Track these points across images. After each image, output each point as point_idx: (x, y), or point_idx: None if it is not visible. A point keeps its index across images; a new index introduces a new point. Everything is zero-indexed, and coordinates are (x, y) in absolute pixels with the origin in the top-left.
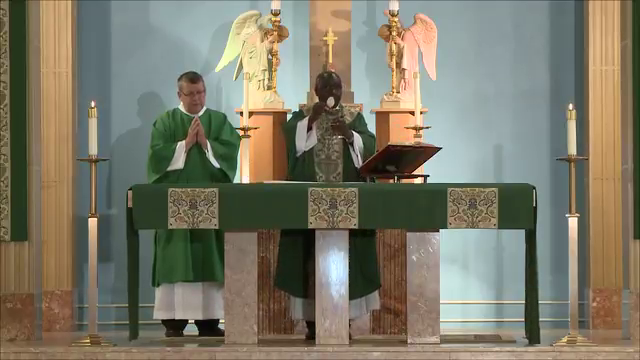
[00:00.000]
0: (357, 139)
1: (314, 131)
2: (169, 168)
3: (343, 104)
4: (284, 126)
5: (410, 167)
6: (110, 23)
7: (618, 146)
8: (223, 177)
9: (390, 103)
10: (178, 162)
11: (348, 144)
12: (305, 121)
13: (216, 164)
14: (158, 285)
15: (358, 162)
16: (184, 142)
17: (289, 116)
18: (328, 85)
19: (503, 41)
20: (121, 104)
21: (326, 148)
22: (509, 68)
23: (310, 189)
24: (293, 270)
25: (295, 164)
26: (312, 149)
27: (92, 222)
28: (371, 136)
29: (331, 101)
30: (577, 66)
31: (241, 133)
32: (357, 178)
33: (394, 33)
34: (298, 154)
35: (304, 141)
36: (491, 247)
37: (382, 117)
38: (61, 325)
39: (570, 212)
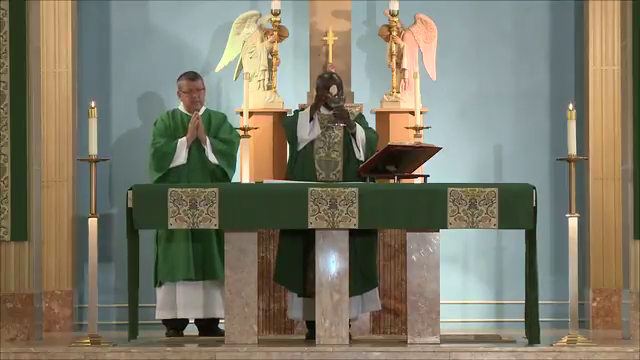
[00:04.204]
0: (359, 131)
1: (316, 121)
2: (172, 165)
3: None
4: (284, 121)
5: (410, 167)
6: (110, 23)
7: (618, 146)
8: (222, 175)
9: (390, 103)
10: (180, 158)
11: (350, 135)
12: (307, 110)
13: (214, 160)
14: (160, 285)
15: (360, 155)
16: (185, 138)
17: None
18: (329, 85)
19: (503, 41)
20: (121, 104)
21: (326, 146)
22: (509, 68)
23: (310, 189)
24: (292, 266)
25: (295, 161)
26: (312, 147)
27: (92, 222)
28: (374, 132)
29: (334, 89)
30: (577, 66)
31: (241, 133)
32: (357, 176)
33: (394, 33)
34: (300, 146)
35: (307, 130)
36: (491, 247)
37: (382, 117)
38: (61, 325)
39: (570, 212)
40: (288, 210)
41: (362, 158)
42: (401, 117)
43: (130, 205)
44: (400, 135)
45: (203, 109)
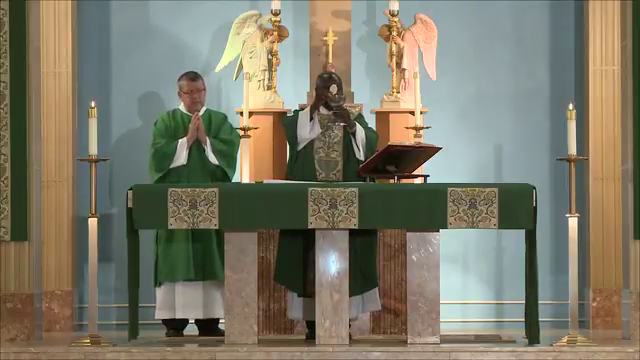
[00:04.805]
0: (359, 130)
1: (316, 121)
2: (172, 165)
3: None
4: (284, 121)
5: (410, 167)
6: (110, 23)
7: (618, 146)
8: (223, 175)
9: (390, 103)
10: (180, 158)
11: (350, 135)
12: (307, 110)
13: (215, 161)
14: (160, 285)
15: (360, 154)
16: (185, 139)
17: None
18: (328, 85)
19: (503, 41)
20: (121, 104)
21: (326, 146)
22: (509, 68)
23: (310, 189)
24: (292, 266)
25: (295, 161)
26: (312, 147)
27: (92, 222)
28: (374, 132)
29: (334, 88)
30: (577, 66)
31: (241, 133)
32: (357, 176)
33: (394, 33)
34: (300, 146)
35: (306, 129)
36: (491, 247)
37: (382, 117)
38: (61, 325)
39: (570, 212)
40: (288, 210)
41: (362, 158)
42: (401, 117)
43: (130, 205)
44: (400, 135)
45: (203, 109)
